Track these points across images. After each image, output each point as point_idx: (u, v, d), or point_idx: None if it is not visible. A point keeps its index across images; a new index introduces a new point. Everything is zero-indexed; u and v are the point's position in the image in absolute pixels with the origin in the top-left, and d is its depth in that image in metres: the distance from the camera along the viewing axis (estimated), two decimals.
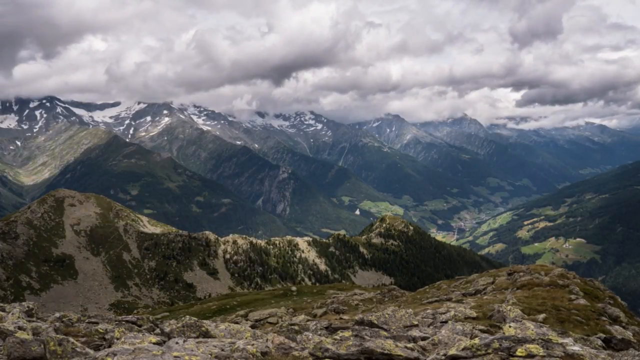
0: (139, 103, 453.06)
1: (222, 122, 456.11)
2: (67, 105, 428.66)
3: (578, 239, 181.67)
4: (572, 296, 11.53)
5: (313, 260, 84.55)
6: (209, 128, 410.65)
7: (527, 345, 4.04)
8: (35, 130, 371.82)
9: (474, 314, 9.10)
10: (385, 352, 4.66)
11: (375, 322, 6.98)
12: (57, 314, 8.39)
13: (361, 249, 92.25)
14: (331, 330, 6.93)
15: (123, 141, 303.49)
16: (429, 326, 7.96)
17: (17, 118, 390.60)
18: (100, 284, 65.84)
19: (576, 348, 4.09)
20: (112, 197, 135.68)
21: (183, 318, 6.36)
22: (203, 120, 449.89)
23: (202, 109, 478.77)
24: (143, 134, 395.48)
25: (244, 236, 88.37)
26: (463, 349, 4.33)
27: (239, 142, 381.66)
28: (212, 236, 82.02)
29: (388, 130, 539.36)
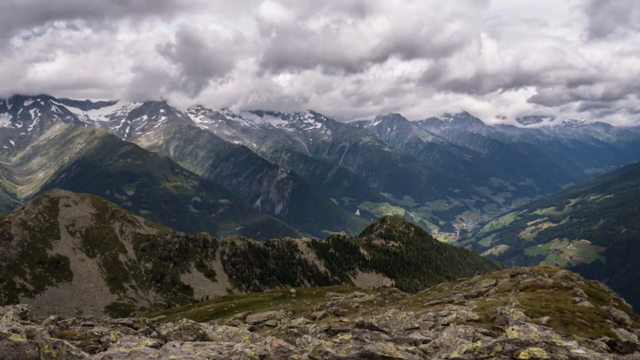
0: (135, 102, 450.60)
1: (220, 120, 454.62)
2: (61, 104, 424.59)
3: (582, 240, 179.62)
4: (576, 298, 11.43)
5: (312, 262, 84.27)
6: (207, 127, 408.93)
7: (531, 348, 4.01)
8: (29, 129, 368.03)
9: (477, 317, 9.04)
10: (386, 355, 4.59)
11: (376, 324, 6.92)
12: (52, 317, 8.24)
13: (361, 250, 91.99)
14: (331, 333, 6.85)
15: (119, 140, 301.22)
16: (430, 329, 7.93)
17: (11, 117, 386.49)
18: (96, 285, 65.18)
19: (580, 351, 4.06)
20: (107, 197, 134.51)
21: (180, 320, 6.26)
22: (200, 119, 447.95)
23: (199, 108, 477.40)
24: (139, 133, 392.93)
25: (242, 237, 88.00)
26: (465, 352, 4.29)
27: (237, 142, 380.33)
28: (209, 237, 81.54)
29: (389, 129, 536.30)
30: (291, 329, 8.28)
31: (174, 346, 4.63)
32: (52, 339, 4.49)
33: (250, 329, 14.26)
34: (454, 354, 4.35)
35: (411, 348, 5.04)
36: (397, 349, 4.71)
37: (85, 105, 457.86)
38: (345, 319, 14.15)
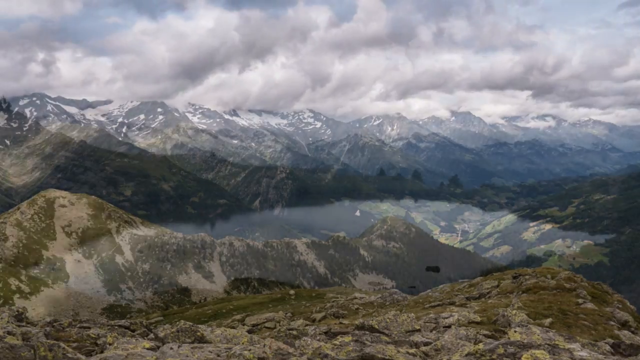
0: (132, 101, 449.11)
1: (218, 120, 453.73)
2: (57, 103, 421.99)
3: (585, 241, 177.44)
4: (580, 300, 11.38)
5: (312, 263, 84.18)
6: (204, 127, 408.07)
7: (533, 351, 3.98)
8: (25, 128, 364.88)
9: (478, 319, 9.02)
10: (387, 357, 4.55)
11: (376, 326, 6.88)
12: (48, 319, 8.12)
13: (361, 252, 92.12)
14: (331, 335, 6.79)
15: (116, 140, 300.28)
16: (431, 331, 7.92)
17: (6, 116, 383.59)
18: (92, 287, 64.62)
19: (583, 354, 4.05)
20: (104, 197, 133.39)
21: (178, 322, 6.20)
22: (198, 118, 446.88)
23: (197, 107, 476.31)
24: (136, 132, 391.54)
25: (241, 238, 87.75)
26: (467, 355, 4.25)
27: (235, 141, 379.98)
28: (207, 238, 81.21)
29: (389, 128, 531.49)
30: (290, 331, 8.21)
31: (171, 349, 4.56)
32: (48, 341, 4.42)
33: (249, 331, 14.16)
34: (456, 357, 4.32)
35: (412, 350, 5.00)
36: (398, 352, 4.67)
37: (82, 104, 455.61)
38: (345, 321, 14.08)
